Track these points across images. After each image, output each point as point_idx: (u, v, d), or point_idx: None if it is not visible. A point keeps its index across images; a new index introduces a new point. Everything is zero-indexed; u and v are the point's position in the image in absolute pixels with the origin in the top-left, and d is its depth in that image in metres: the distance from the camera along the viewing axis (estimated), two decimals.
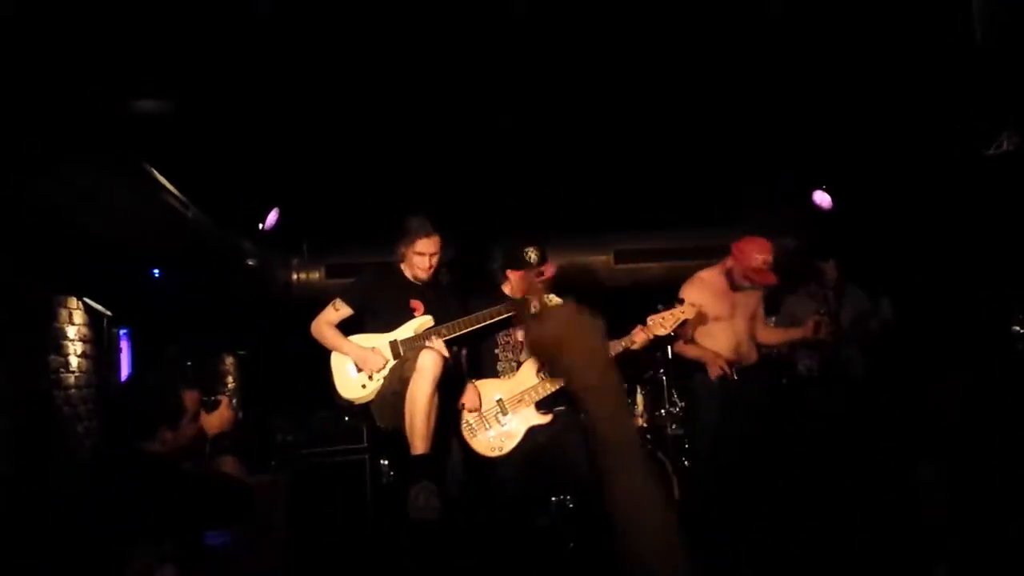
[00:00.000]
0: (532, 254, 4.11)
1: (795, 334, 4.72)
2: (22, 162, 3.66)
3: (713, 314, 4.43)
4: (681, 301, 4.15)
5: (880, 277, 5.57)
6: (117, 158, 4.09)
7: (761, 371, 4.62)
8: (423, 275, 4.08)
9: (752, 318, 4.57)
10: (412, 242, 4.04)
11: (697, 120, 5.23)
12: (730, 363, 4.41)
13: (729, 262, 4.45)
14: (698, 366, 4.52)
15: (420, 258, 4.04)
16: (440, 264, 4.14)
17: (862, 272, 5.50)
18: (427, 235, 4.02)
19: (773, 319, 5.32)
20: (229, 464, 2.93)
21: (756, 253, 4.35)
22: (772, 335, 4.80)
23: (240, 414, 3.09)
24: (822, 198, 6.13)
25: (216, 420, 2.95)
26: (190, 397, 2.79)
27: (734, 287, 4.46)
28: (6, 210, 3.96)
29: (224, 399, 3.00)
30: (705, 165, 5.84)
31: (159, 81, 4.18)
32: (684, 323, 4.15)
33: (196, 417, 2.81)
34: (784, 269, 4.64)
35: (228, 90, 4.48)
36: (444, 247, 4.09)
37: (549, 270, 4.16)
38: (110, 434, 2.84)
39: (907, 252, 5.79)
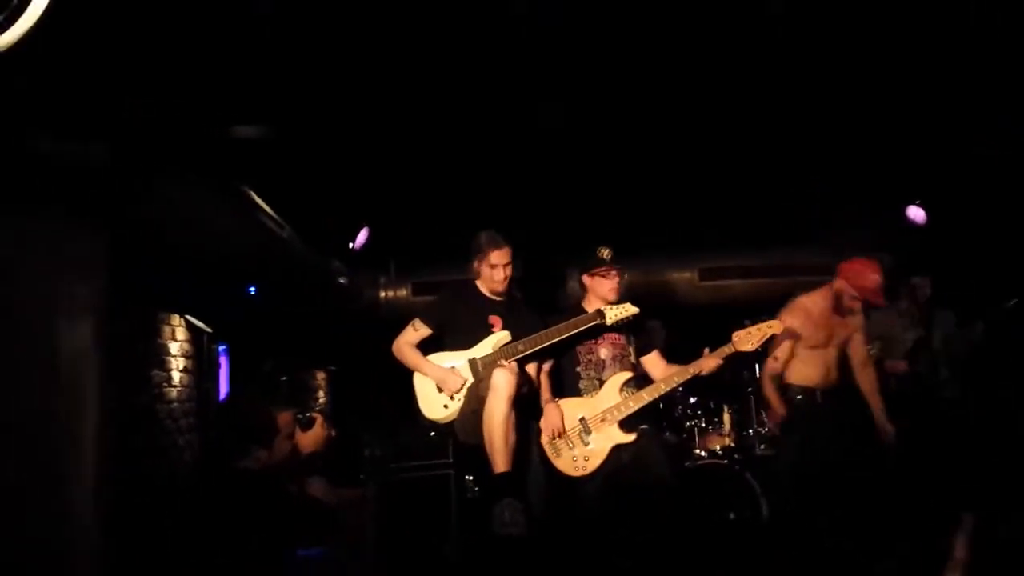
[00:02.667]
0: (604, 252, 4.12)
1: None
2: (129, 186, 3.88)
3: (809, 342, 4.33)
4: (770, 316, 4.08)
5: (972, 298, 5.37)
6: (218, 181, 4.28)
7: (848, 393, 4.49)
8: (499, 287, 4.12)
9: (843, 346, 4.43)
10: (485, 255, 4.09)
11: (788, 134, 5.16)
12: (816, 388, 4.34)
13: (838, 283, 4.32)
14: (783, 385, 4.44)
15: (494, 271, 4.08)
16: (514, 279, 4.18)
17: (954, 292, 5.31)
18: (498, 247, 4.08)
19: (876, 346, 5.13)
20: (317, 487, 3.03)
21: (871, 273, 4.23)
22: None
23: (333, 432, 3.19)
24: (916, 213, 5.94)
25: (310, 439, 3.06)
26: (283, 417, 2.89)
27: (840, 311, 4.34)
28: (114, 231, 4.18)
29: (318, 418, 3.11)
30: (793, 181, 5.74)
31: (257, 106, 4.37)
32: (771, 338, 4.08)
33: (290, 436, 2.91)
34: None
35: (321, 115, 4.65)
36: (515, 259, 4.14)
37: (621, 273, 4.14)
38: (209, 452, 2.97)
39: (1002, 271, 5.56)
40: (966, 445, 4.72)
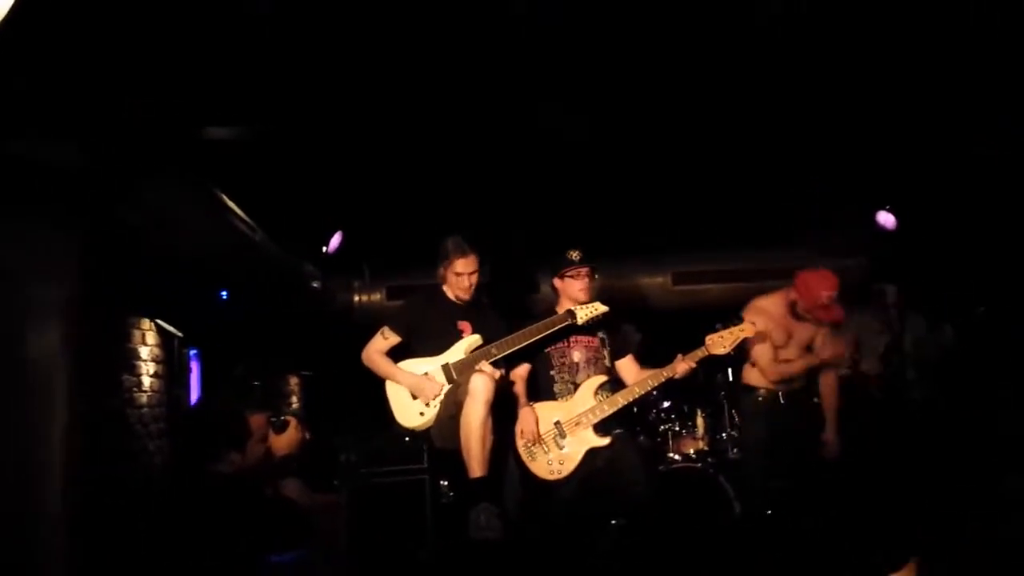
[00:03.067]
0: (573, 253, 4.14)
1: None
2: (103, 188, 3.84)
3: (776, 339, 4.38)
4: (741, 319, 4.13)
5: (943, 302, 5.47)
6: (191, 183, 4.24)
7: (807, 395, 4.55)
8: (464, 295, 4.15)
9: (804, 348, 4.47)
10: (451, 263, 4.12)
11: (758, 138, 5.20)
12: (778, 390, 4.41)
13: (792, 294, 4.39)
14: (743, 386, 4.52)
15: (459, 278, 4.11)
16: (480, 284, 4.19)
17: (924, 296, 5.40)
18: (463, 255, 4.09)
19: None
20: (292, 487, 3.01)
21: (822, 289, 4.25)
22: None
23: (307, 435, 3.17)
24: (886, 218, 6.02)
25: (284, 441, 3.04)
26: (256, 420, 2.88)
27: (796, 317, 4.40)
28: (87, 234, 4.13)
29: (292, 421, 3.09)
30: (766, 184, 5.79)
31: (229, 108, 4.33)
32: (744, 341, 4.12)
33: (264, 439, 2.89)
34: (852, 287, 4.58)
35: (295, 117, 4.62)
36: (482, 265, 4.15)
37: (592, 274, 4.15)
38: (180, 456, 2.95)
39: (972, 276, 5.66)
40: (934, 443, 4.81)
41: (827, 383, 4.54)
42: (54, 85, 3.05)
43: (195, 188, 4.30)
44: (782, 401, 4.44)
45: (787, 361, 4.40)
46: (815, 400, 4.56)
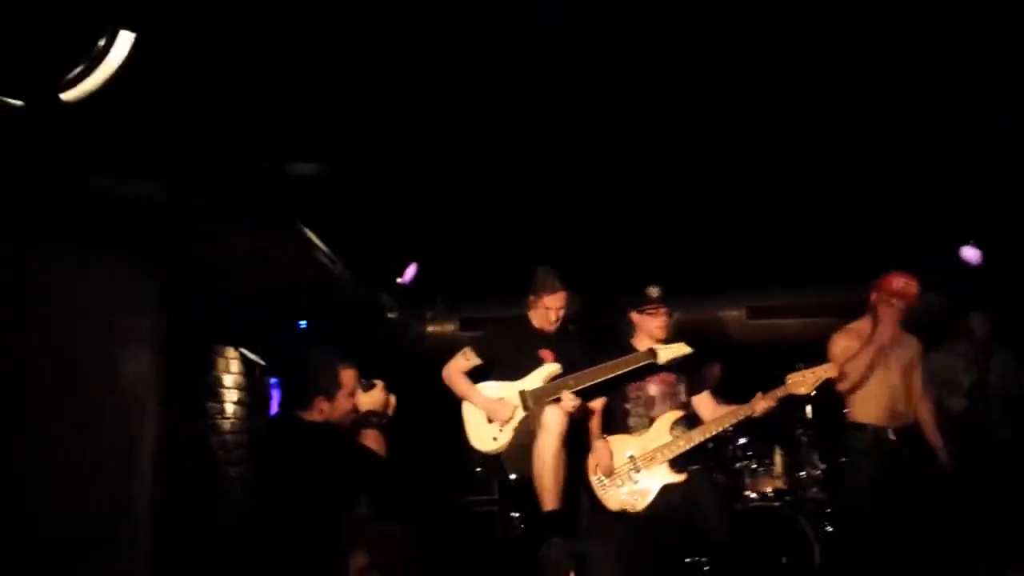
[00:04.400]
0: (653, 290, 4.13)
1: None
2: (186, 224, 4.00)
3: (865, 364, 4.26)
4: (823, 360, 4.06)
5: None
6: (274, 218, 4.38)
7: (918, 433, 4.40)
8: (550, 328, 4.17)
9: (908, 372, 4.37)
10: (539, 297, 4.15)
11: (839, 169, 5.11)
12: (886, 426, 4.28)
13: (872, 297, 4.34)
14: (851, 424, 4.38)
15: (548, 312, 4.14)
16: (567, 318, 4.21)
17: (1014, 333, 5.19)
18: (553, 291, 4.13)
19: None
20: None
21: (900, 277, 4.25)
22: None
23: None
24: (971, 253, 5.83)
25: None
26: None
27: (877, 322, 4.31)
28: (170, 270, 4.30)
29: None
30: (846, 217, 5.68)
31: (306, 143, 4.47)
32: (825, 382, 4.04)
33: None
34: (929, 325, 4.45)
35: (371, 148, 4.73)
36: (570, 302, 4.18)
37: (670, 312, 4.14)
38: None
39: None
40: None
41: (925, 409, 4.41)
42: (139, 124, 3.19)
43: (277, 223, 4.44)
44: (892, 437, 4.30)
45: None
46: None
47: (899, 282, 4.26)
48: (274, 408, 5.92)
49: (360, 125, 4.38)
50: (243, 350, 5.28)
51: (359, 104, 4.16)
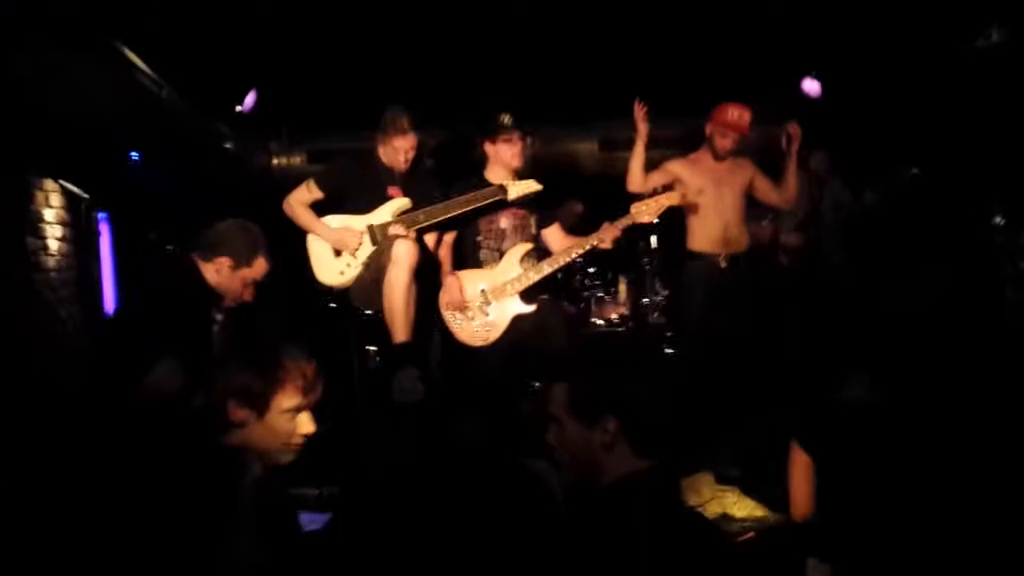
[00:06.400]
0: (505, 117, 4.03)
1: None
2: None
3: (696, 185, 4.38)
4: (666, 188, 4.12)
5: (865, 168, 5.53)
6: (88, 38, 3.93)
7: (748, 261, 4.60)
8: (401, 168, 4.02)
9: (741, 195, 4.52)
10: (389, 137, 3.97)
11: (687, 4, 5.06)
12: (718, 254, 4.44)
13: (708, 128, 4.46)
14: (689, 254, 4.54)
15: (396, 153, 3.98)
16: (419, 156, 4.07)
17: (846, 163, 5.45)
18: (403, 133, 3.95)
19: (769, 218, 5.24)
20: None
21: (732, 107, 4.37)
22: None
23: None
24: (811, 85, 6.00)
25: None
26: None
27: (716, 156, 4.45)
28: None
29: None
30: (694, 52, 5.68)
31: None
32: (668, 209, 4.13)
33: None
34: (773, 159, 4.59)
35: None
36: (422, 142, 4.02)
37: (524, 138, 4.08)
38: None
39: (893, 143, 5.72)
40: (848, 308, 4.92)
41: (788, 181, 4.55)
42: None
43: (92, 42, 3.98)
44: (723, 265, 4.47)
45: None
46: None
47: (733, 113, 4.37)
48: (105, 246, 5.55)
49: None
50: (64, 182, 4.85)
51: None
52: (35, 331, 4.38)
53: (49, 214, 4.67)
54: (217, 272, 2.95)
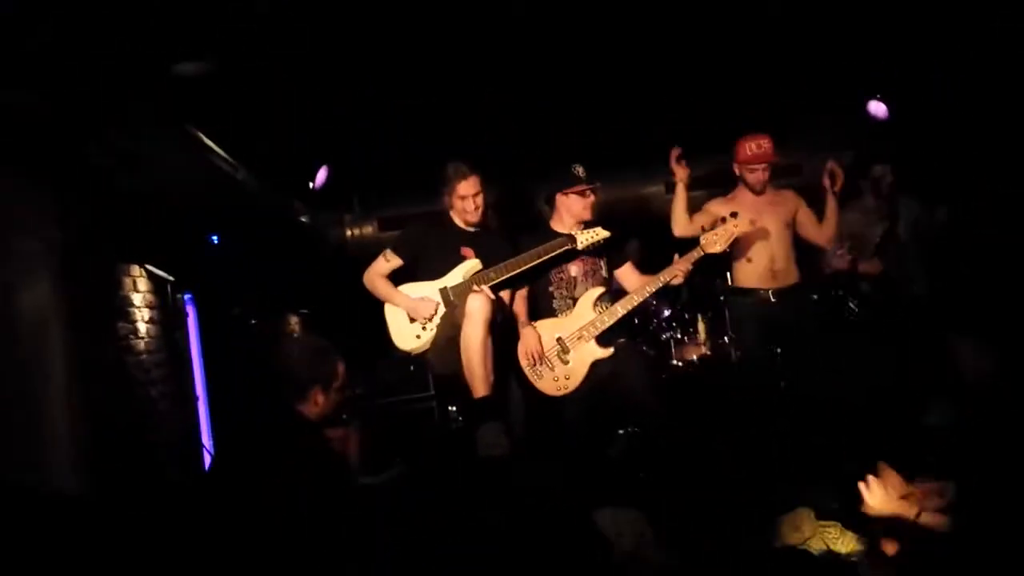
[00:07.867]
0: (579, 169, 4.05)
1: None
2: (72, 135, 3.73)
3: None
4: (734, 215, 4.05)
5: (937, 188, 5.33)
6: (164, 123, 4.13)
7: (802, 293, 4.49)
8: (472, 218, 4.07)
9: (786, 226, 4.42)
10: (453, 188, 4.03)
11: (745, 31, 5.04)
12: (768, 285, 4.36)
13: (736, 168, 4.41)
14: (734, 290, 4.48)
15: (464, 201, 4.03)
16: (487, 207, 4.12)
17: (918, 183, 5.27)
18: (464, 177, 4.01)
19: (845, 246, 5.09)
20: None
21: (748, 141, 4.31)
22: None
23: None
24: (877, 108, 5.88)
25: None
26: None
27: (754, 191, 4.38)
28: (60, 183, 4.04)
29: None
30: (754, 83, 5.64)
31: (200, 41, 4.17)
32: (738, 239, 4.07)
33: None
34: (840, 185, 4.47)
35: (267, 48, 4.45)
36: (486, 187, 4.07)
37: (596, 191, 4.08)
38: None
39: (965, 163, 5.51)
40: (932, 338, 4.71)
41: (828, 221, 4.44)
42: (14, 34, 2.94)
43: (169, 127, 4.18)
44: (773, 300, 4.38)
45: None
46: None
47: (751, 147, 4.31)
48: (191, 326, 5.74)
49: (253, 15, 4.10)
50: (149, 267, 5.05)
51: None
52: (132, 413, 4.53)
53: (137, 298, 4.85)
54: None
